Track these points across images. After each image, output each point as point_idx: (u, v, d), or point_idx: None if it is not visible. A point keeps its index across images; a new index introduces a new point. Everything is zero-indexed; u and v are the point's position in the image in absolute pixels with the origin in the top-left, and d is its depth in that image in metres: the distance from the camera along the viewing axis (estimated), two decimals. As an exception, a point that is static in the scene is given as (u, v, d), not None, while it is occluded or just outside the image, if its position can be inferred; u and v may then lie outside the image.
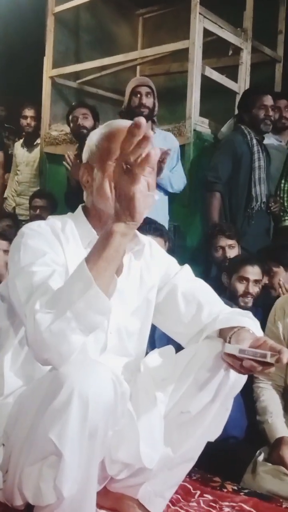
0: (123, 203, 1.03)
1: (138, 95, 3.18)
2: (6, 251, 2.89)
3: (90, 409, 1.05)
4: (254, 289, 2.51)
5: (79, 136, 3.58)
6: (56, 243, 1.31)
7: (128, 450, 1.26)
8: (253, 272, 2.53)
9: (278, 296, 2.51)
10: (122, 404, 1.15)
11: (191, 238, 3.52)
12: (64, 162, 3.41)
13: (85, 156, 1.39)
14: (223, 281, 2.64)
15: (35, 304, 1.07)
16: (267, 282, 2.65)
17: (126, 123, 1.33)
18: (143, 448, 1.26)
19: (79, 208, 1.42)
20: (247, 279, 2.51)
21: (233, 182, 3.23)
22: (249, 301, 2.50)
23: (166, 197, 3.26)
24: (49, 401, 1.08)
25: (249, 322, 1.34)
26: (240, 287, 2.51)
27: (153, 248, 1.50)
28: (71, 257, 1.31)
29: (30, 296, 1.11)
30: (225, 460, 1.80)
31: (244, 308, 2.44)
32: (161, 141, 3.15)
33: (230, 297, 2.52)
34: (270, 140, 3.49)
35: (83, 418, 1.06)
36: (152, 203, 1.22)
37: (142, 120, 0.97)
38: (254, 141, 3.24)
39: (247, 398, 2.02)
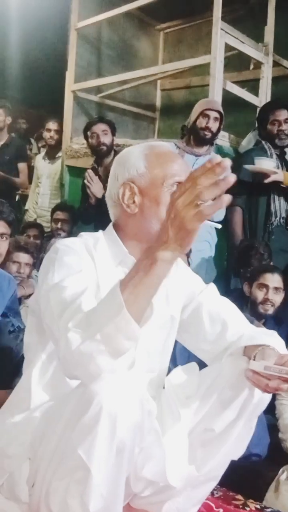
0: (179, 233, 1.00)
1: (207, 118, 3.19)
2: (27, 264, 2.93)
3: (118, 426, 1.06)
4: (274, 297, 2.52)
5: (99, 152, 3.60)
6: (89, 261, 1.32)
7: (153, 468, 1.26)
8: (272, 279, 2.54)
9: None
10: (149, 422, 1.15)
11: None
12: (85, 181, 3.42)
13: (124, 175, 1.35)
14: (245, 291, 2.66)
15: (68, 322, 1.08)
16: None
17: (167, 146, 1.39)
18: (168, 466, 1.26)
19: (110, 226, 1.42)
20: (267, 286, 2.53)
21: (254, 198, 3.23)
22: (269, 308, 2.51)
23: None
24: (78, 417, 1.09)
25: (274, 340, 1.33)
26: (260, 295, 2.53)
27: (179, 266, 1.51)
28: (102, 275, 1.32)
29: (63, 311, 1.12)
30: (247, 478, 1.79)
31: (264, 315, 2.52)
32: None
33: (251, 305, 2.54)
34: None
35: (111, 435, 1.06)
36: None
37: (227, 162, 0.95)
38: (274, 156, 3.24)
39: (270, 415, 2.00)
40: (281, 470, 1.84)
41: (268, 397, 1.35)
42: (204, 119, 3.19)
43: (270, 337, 1.35)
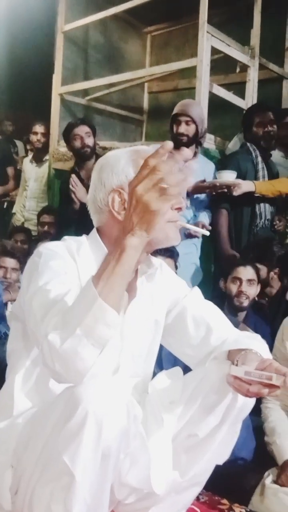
0: (144, 217, 1.02)
1: (178, 124, 3.11)
2: (14, 269, 2.91)
3: (104, 432, 1.06)
4: (248, 289, 2.57)
5: (83, 154, 3.54)
6: (72, 264, 1.31)
7: (138, 474, 1.26)
8: (245, 272, 2.59)
9: None
10: (134, 427, 1.15)
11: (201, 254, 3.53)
12: (70, 186, 3.37)
13: (112, 181, 1.33)
14: (221, 287, 2.70)
15: (48, 325, 1.07)
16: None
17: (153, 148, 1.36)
18: (153, 473, 1.26)
19: (94, 230, 1.41)
20: (240, 279, 2.58)
21: (239, 199, 3.24)
22: (244, 301, 2.55)
23: None
24: (63, 423, 1.08)
25: (257, 344, 1.34)
26: (234, 288, 2.58)
27: (163, 270, 1.51)
28: (85, 279, 1.31)
29: (45, 315, 1.12)
30: (233, 482, 1.79)
31: (239, 307, 2.56)
32: (199, 168, 3.11)
33: (227, 300, 2.57)
34: (274, 155, 3.50)
35: (96, 441, 1.06)
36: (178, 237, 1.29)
37: (169, 144, 1.00)
38: (259, 158, 3.25)
39: (255, 418, 2.00)
40: (266, 473, 1.85)
41: (252, 402, 1.35)
42: (176, 125, 3.12)
43: (253, 341, 1.36)
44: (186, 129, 3.06)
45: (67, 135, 3.58)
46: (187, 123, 3.07)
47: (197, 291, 1.55)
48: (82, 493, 1.08)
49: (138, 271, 1.43)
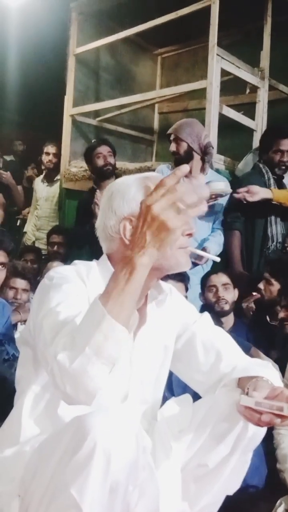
0: (159, 234, 1.03)
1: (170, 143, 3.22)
2: (24, 290, 2.92)
3: (112, 464, 1.03)
4: (225, 294, 2.67)
5: (104, 173, 3.63)
6: (83, 288, 1.31)
7: (146, 507, 1.23)
8: (218, 278, 2.71)
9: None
10: (143, 458, 1.13)
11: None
12: (95, 200, 3.40)
13: (123, 209, 1.32)
14: (201, 300, 2.78)
15: (57, 346, 1.07)
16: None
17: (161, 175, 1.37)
18: (162, 505, 1.24)
19: (104, 256, 1.40)
20: (215, 286, 2.69)
21: (251, 221, 3.23)
22: (224, 305, 2.65)
23: None
24: (71, 454, 1.06)
25: (268, 372, 1.32)
26: (211, 295, 2.69)
27: (173, 295, 1.50)
28: None
29: (55, 336, 1.11)
30: (244, 510, 1.75)
31: (222, 312, 2.63)
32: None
33: (210, 310, 2.52)
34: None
35: (105, 474, 1.03)
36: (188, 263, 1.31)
37: (186, 168, 1.03)
38: (272, 180, 3.24)
39: (267, 444, 1.97)
40: (278, 501, 1.80)
41: (263, 430, 1.32)
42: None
43: (264, 368, 1.34)
44: (176, 148, 3.15)
45: (89, 154, 3.71)
46: (176, 141, 3.15)
47: (206, 316, 1.54)
48: None
49: (148, 296, 1.43)
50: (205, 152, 3.10)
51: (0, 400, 1.80)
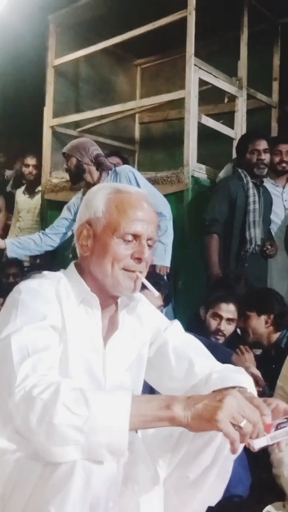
0: (202, 425, 1.05)
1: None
2: None
3: (93, 482, 1.02)
4: (227, 327, 2.56)
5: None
6: (55, 302, 1.30)
7: None
8: (227, 309, 2.57)
9: (254, 341, 2.52)
10: (124, 473, 1.11)
11: (190, 281, 3.51)
12: None
13: (85, 215, 1.35)
14: (201, 315, 2.68)
15: (32, 383, 1.05)
16: (242, 325, 2.65)
17: (136, 192, 1.36)
18: None
19: (72, 264, 1.42)
20: (221, 317, 2.57)
21: (228, 225, 3.25)
22: (220, 338, 2.54)
23: None
24: (50, 472, 1.05)
25: (242, 379, 1.31)
26: (213, 324, 2.57)
27: (143, 303, 1.50)
28: (67, 314, 1.31)
29: (23, 360, 1.10)
30: (229, 521, 1.73)
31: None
32: None
33: (206, 332, 2.55)
34: (266, 184, 3.53)
35: (85, 490, 1.02)
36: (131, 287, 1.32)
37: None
38: (250, 184, 3.27)
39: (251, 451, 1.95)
40: (264, 510, 1.79)
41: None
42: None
43: (240, 376, 1.32)
44: (67, 164, 3.32)
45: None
46: (67, 159, 3.32)
47: (177, 324, 1.53)
48: None
49: (119, 304, 1.42)
50: (97, 163, 3.22)
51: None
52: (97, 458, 1.02)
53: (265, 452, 1.97)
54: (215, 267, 3.19)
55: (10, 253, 3.38)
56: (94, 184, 3.12)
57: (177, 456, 1.30)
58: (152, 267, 3.16)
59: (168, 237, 3.21)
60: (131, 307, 1.43)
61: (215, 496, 1.35)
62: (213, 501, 1.35)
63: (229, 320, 2.56)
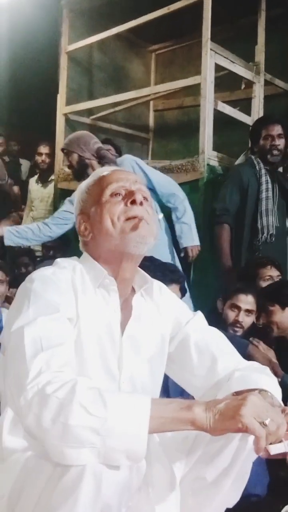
0: (229, 425, 1.01)
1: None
2: (0, 281, 2.83)
3: (103, 487, 0.97)
4: (245, 319, 2.50)
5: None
6: (69, 292, 1.25)
7: None
8: (245, 301, 2.51)
9: (278, 337, 2.42)
10: (138, 479, 1.06)
11: (205, 272, 3.44)
12: None
13: (76, 207, 1.40)
14: (218, 307, 2.62)
15: (46, 379, 1.00)
16: (265, 321, 2.57)
17: (109, 168, 1.40)
18: None
19: (85, 253, 1.38)
20: (239, 308, 2.51)
21: (240, 214, 3.17)
22: (239, 330, 2.48)
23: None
24: (58, 476, 0.99)
25: (266, 380, 1.24)
26: (231, 315, 2.51)
27: (163, 292, 1.44)
28: (83, 304, 1.26)
29: (36, 355, 1.04)
30: (246, 521, 1.68)
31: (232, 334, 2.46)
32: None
33: (223, 325, 2.48)
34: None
35: (95, 497, 0.96)
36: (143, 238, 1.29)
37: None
38: (263, 171, 3.18)
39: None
40: (283, 510, 1.73)
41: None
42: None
43: (263, 377, 1.26)
44: (68, 161, 3.27)
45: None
46: (67, 155, 3.25)
47: (200, 316, 1.46)
48: None
49: (135, 286, 1.38)
50: (100, 156, 3.13)
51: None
52: (113, 463, 0.97)
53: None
54: (226, 259, 3.12)
55: (6, 241, 3.31)
56: None
57: (194, 457, 1.25)
58: (184, 251, 3.12)
59: (189, 216, 3.14)
60: (147, 291, 1.39)
61: (233, 498, 1.29)
62: (232, 502, 1.30)
63: (247, 311, 2.50)
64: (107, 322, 1.29)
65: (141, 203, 1.29)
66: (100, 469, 0.97)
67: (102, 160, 3.12)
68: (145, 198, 1.32)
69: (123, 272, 1.32)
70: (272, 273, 2.81)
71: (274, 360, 2.28)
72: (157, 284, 1.43)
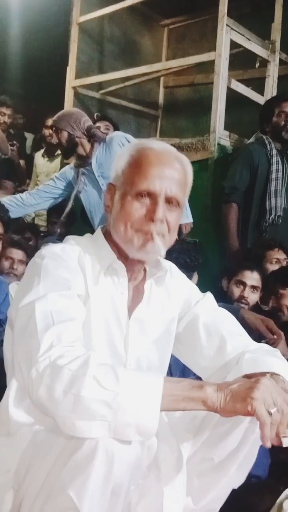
0: (240, 408, 0.99)
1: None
2: (21, 261, 2.81)
3: (115, 465, 0.96)
4: (250, 295, 2.50)
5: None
6: (78, 270, 1.23)
7: (149, 506, 1.16)
8: (251, 277, 2.52)
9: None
10: (148, 458, 1.05)
11: (213, 253, 3.42)
12: None
13: (112, 174, 1.30)
14: (223, 285, 2.62)
15: (58, 353, 0.98)
16: (275, 304, 2.55)
17: (159, 147, 1.25)
18: (166, 505, 1.17)
19: (99, 230, 1.35)
20: (244, 284, 2.52)
21: (249, 194, 3.13)
22: (244, 307, 2.46)
23: None
24: (70, 453, 0.98)
25: (278, 364, 1.22)
26: (236, 291, 2.52)
27: (173, 273, 1.41)
28: (91, 284, 1.24)
29: (47, 329, 1.03)
30: (246, 502, 1.68)
31: None
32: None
33: (227, 301, 2.48)
34: None
35: (107, 475, 0.96)
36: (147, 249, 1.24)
37: None
38: (274, 151, 3.14)
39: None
40: (283, 494, 1.73)
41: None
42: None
43: (274, 359, 1.24)
44: (58, 138, 3.13)
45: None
46: (57, 133, 3.13)
47: (209, 297, 1.44)
48: None
49: (147, 273, 1.34)
50: (90, 135, 3.06)
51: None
52: (124, 438, 0.95)
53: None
54: (233, 239, 3.09)
55: None
56: (86, 156, 3.05)
57: (202, 438, 1.24)
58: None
59: None
60: (159, 278, 1.35)
61: (239, 479, 1.29)
62: (237, 484, 1.30)
63: (253, 287, 2.50)
64: (114, 305, 1.27)
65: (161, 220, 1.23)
66: (112, 447, 0.95)
67: (91, 138, 3.05)
68: (175, 203, 1.24)
69: (133, 263, 1.30)
70: (279, 256, 2.79)
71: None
72: (168, 266, 1.40)
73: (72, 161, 3.30)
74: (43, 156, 4.69)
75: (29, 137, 5.71)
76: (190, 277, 2.21)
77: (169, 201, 1.22)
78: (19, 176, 4.99)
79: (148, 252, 1.23)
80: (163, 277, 1.36)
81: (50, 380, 0.97)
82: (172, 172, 1.23)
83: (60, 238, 3.34)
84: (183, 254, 2.19)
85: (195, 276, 2.54)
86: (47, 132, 4.57)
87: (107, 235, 1.31)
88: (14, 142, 4.70)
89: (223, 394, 1.00)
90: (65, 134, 3.07)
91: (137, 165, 1.22)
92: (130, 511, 1.16)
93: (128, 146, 1.31)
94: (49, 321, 1.04)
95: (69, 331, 1.04)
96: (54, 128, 3.17)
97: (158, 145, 1.26)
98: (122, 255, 1.27)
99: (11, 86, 5.91)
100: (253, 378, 1.04)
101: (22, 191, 5.00)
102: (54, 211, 4.01)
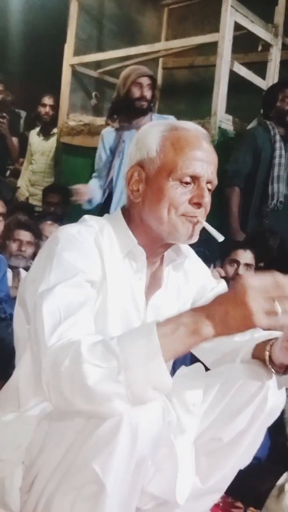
0: (236, 321, 0.93)
1: (139, 87, 3.02)
2: (29, 243, 2.78)
3: (139, 439, 0.95)
4: (245, 273, 2.50)
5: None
6: (95, 254, 1.18)
7: (162, 484, 1.17)
8: (244, 256, 2.55)
9: None
10: (166, 433, 1.04)
11: (213, 240, 3.40)
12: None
13: (136, 155, 1.22)
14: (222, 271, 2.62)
15: (56, 353, 0.96)
16: None
17: (194, 129, 1.21)
18: (179, 483, 1.16)
19: (119, 211, 1.29)
20: (238, 262, 2.55)
21: (251, 179, 3.12)
22: None
23: None
24: (93, 427, 0.97)
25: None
26: (231, 270, 2.55)
27: (191, 258, 1.40)
28: (109, 266, 1.20)
29: (53, 330, 0.99)
30: (247, 483, 1.69)
31: None
32: None
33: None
34: None
35: (131, 449, 0.95)
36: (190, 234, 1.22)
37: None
38: (278, 137, 3.14)
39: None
40: (283, 476, 1.74)
41: (282, 405, 1.25)
42: (137, 89, 3.02)
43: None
44: (148, 93, 3.01)
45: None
46: (148, 86, 3.02)
47: (223, 285, 1.45)
48: (111, 504, 0.98)
49: (165, 259, 1.32)
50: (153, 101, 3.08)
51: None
52: (145, 401, 0.94)
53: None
54: (234, 223, 3.09)
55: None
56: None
57: (211, 415, 1.24)
58: None
59: None
60: (178, 264, 1.33)
61: (246, 460, 1.29)
62: (244, 464, 1.30)
63: (246, 265, 2.53)
64: (132, 290, 1.24)
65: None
66: (136, 421, 0.95)
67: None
68: (212, 186, 1.21)
69: (155, 249, 1.27)
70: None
71: None
72: (185, 252, 1.37)
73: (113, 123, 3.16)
74: (38, 134, 4.61)
75: (23, 115, 5.60)
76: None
77: (208, 183, 1.20)
78: (13, 153, 4.92)
79: (192, 237, 1.21)
80: (181, 263, 1.34)
81: (56, 385, 0.96)
82: (210, 154, 1.20)
83: (56, 220, 3.27)
84: (202, 247, 2.16)
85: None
86: (43, 110, 4.50)
87: (128, 218, 1.26)
88: (4, 114, 4.59)
89: (217, 319, 0.95)
90: (151, 92, 3.02)
91: (179, 147, 1.17)
92: (143, 488, 1.15)
93: (153, 125, 1.24)
94: (56, 320, 1.01)
95: (78, 326, 1.01)
96: (148, 81, 3.03)
97: (191, 126, 1.22)
98: (143, 240, 1.23)
99: (5, 62, 5.80)
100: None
101: (14, 169, 5.02)
102: (50, 190, 3.97)
